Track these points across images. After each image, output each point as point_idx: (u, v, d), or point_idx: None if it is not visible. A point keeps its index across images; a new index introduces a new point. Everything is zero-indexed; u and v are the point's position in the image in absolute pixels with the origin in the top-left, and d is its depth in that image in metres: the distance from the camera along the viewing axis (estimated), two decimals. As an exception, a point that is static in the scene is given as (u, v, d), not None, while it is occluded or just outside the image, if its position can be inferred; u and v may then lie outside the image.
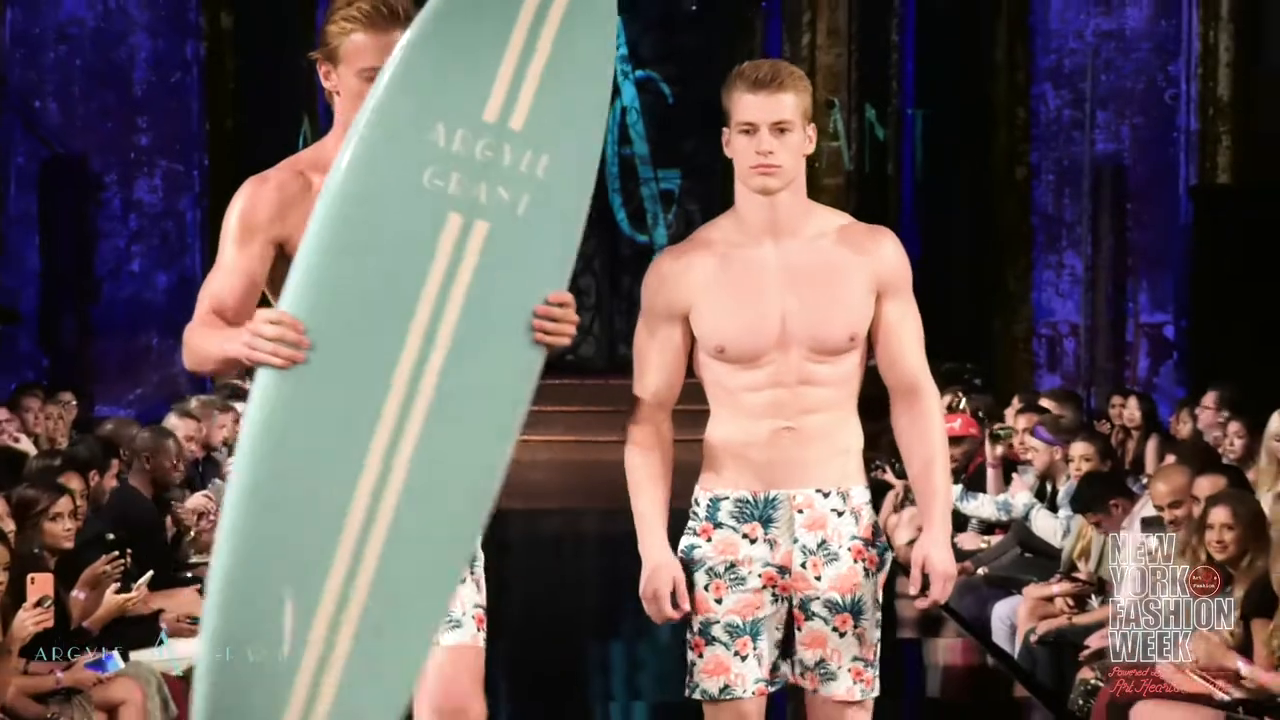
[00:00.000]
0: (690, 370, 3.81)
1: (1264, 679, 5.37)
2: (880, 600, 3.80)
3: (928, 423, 3.78)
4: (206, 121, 13.27)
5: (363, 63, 3.50)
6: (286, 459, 3.33)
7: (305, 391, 3.32)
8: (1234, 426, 8.14)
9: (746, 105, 3.67)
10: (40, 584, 5.25)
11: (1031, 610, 7.62)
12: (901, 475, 8.76)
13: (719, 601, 3.75)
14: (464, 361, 3.36)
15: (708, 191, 16.05)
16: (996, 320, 13.63)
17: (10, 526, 5.71)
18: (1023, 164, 13.48)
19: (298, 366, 3.31)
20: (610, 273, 15.52)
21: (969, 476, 9.07)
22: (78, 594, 6.10)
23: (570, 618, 8.54)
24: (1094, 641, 6.91)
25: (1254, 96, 13.05)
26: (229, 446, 9.19)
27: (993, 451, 8.87)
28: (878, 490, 8.17)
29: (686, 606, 3.73)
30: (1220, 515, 5.81)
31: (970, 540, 8.90)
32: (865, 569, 3.75)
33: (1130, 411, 9.86)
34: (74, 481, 6.49)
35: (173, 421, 8.46)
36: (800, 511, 3.74)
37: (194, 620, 6.77)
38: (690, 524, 3.80)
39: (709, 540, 3.76)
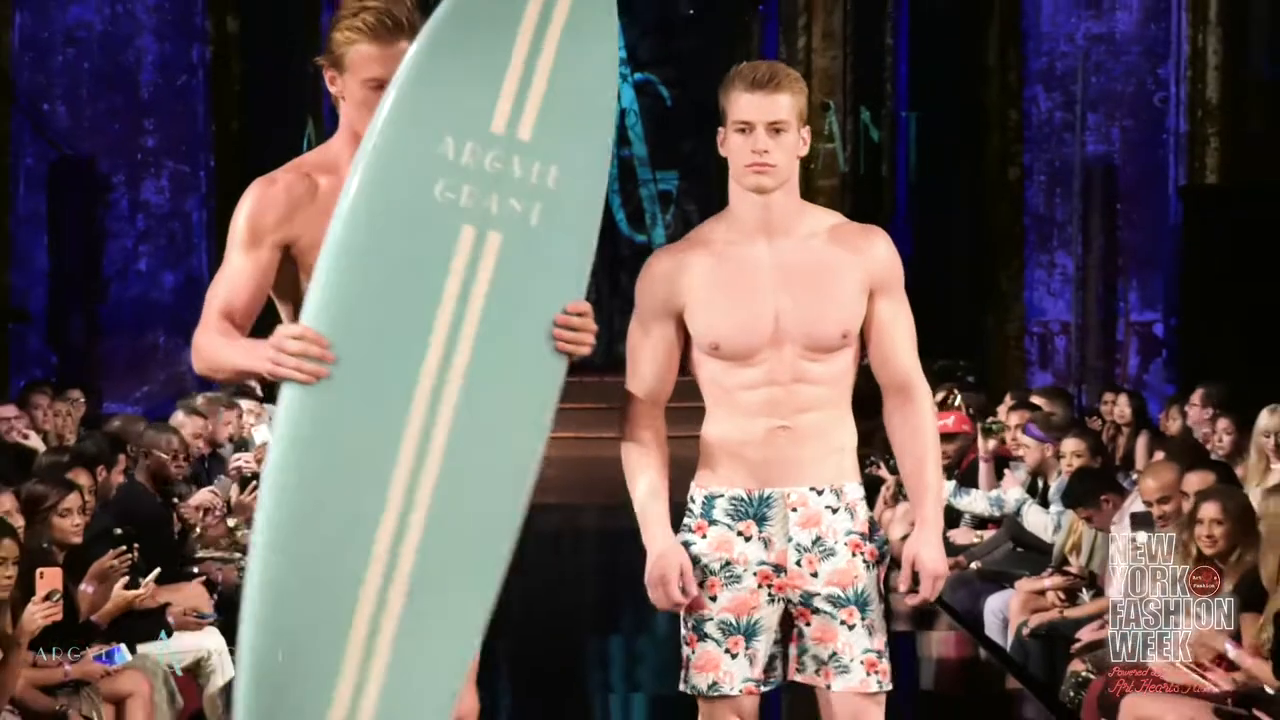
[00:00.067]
0: (685, 368, 3.81)
1: (1248, 662, 5.36)
2: (883, 593, 3.78)
3: (920, 422, 3.77)
4: (212, 123, 13.28)
5: (367, 73, 3.49)
6: (315, 473, 3.31)
7: (331, 406, 3.30)
8: (1222, 423, 8.13)
9: (743, 104, 3.66)
10: (49, 578, 5.25)
11: (1023, 604, 7.62)
12: (895, 471, 8.75)
13: (714, 599, 3.74)
14: (486, 371, 3.34)
15: (705, 192, 16.06)
16: (989, 318, 13.63)
17: (19, 522, 5.71)
18: (1015, 165, 13.50)
19: (322, 381, 3.29)
20: (609, 272, 15.51)
21: (962, 472, 9.07)
22: (86, 588, 6.10)
23: (569, 612, 8.53)
24: (1085, 634, 6.92)
25: (1241, 99, 13.05)
26: (234, 443, 9.19)
27: (985, 446, 8.87)
28: (871, 486, 8.17)
29: (694, 591, 3.70)
30: (1210, 510, 5.81)
31: (963, 535, 8.90)
32: (864, 561, 3.72)
33: (1121, 408, 9.87)
34: (82, 477, 6.48)
35: (179, 418, 8.45)
36: (794, 509, 3.72)
37: (200, 615, 6.78)
38: (685, 521, 3.78)
39: (704, 537, 3.75)
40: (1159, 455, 7.52)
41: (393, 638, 3.32)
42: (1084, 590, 7.43)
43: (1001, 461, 8.85)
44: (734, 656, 3.73)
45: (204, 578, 7.32)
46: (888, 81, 14.17)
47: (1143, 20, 13.34)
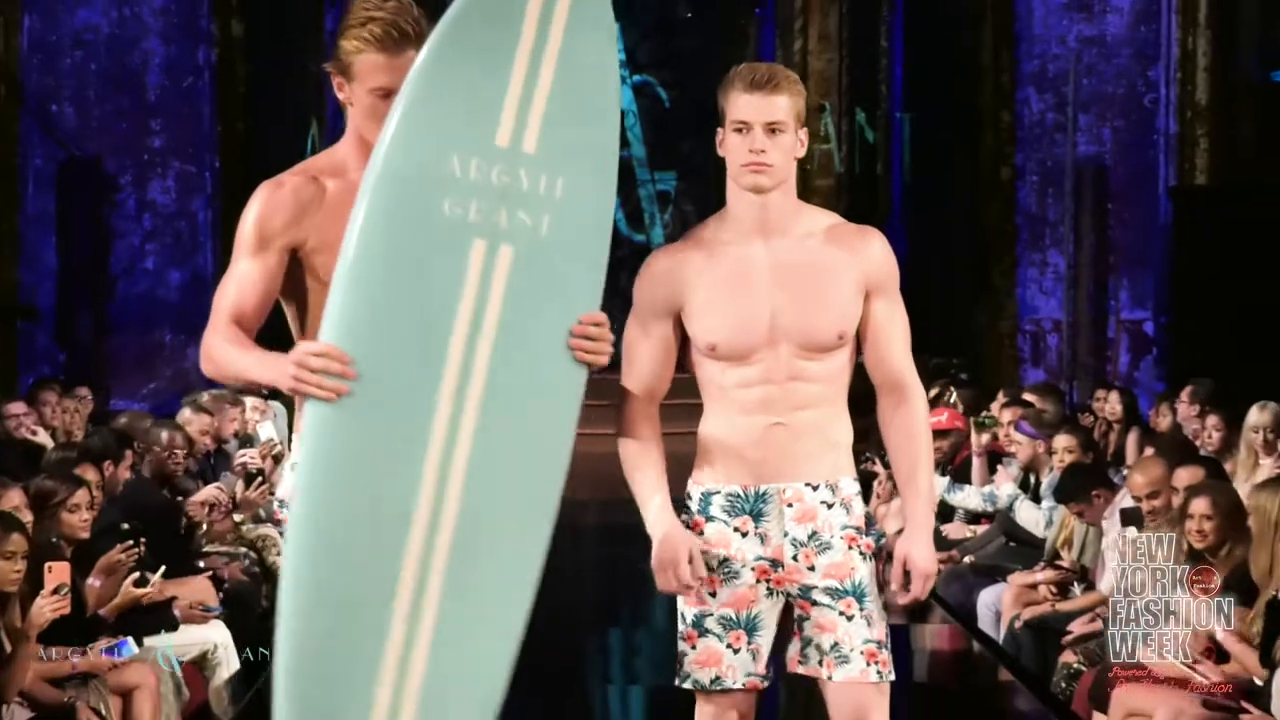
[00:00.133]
0: (685, 365, 3.80)
1: (1237, 649, 5.35)
2: (879, 585, 3.77)
3: (913, 421, 3.76)
4: (218, 124, 13.27)
5: (374, 82, 3.48)
6: (342, 492, 3.30)
7: (354, 424, 3.29)
8: (1212, 419, 8.13)
9: (742, 105, 3.65)
10: (57, 572, 5.24)
11: (1016, 597, 7.62)
12: (889, 467, 8.75)
13: (713, 595, 3.73)
14: (506, 383, 3.33)
15: (703, 192, 16.05)
16: (982, 317, 13.63)
17: (28, 517, 5.71)
18: (1007, 165, 13.49)
19: (346, 399, 3.28)
20: (608, 271, 15.49)
21: (955, 468, 9.07)
22: (93, 582, 6.10)
23: (569, 607, 8.53)
24: (1077, 627, 6.92)
25: (1231, 100, 13.05)
26: (239, 439, 9.19)
27: (978, 441, 8.86)
28: (865, 482, 8.17)
29: (703, 572, 3.68)
30: (1200, 506, 5.81)
31: (957, 530, 8.90)
32: (861, 554, 3.71)
33: (1112, 405, 9.86)
34: (90, 473, 6.48)
35: (186, 415, 8.45)
36: (790, 505, 3.71)
37: (206, 608, 6.78)
38: (682, 518, 3.76)
39: (701, 534, 3.74)
40: (1149, 451, 7.52)
41: (426, 655, 3.30)
42: (1075, 584, 7.43)
43: (994, 457, 8.84)
44: (736, 651, 3.72)
45: (210, 572, 7.32)
46: (882, 83, 14.16)
47: (1133, 23, 13.34)
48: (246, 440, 9.17)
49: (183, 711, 6.17)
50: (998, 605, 7.81)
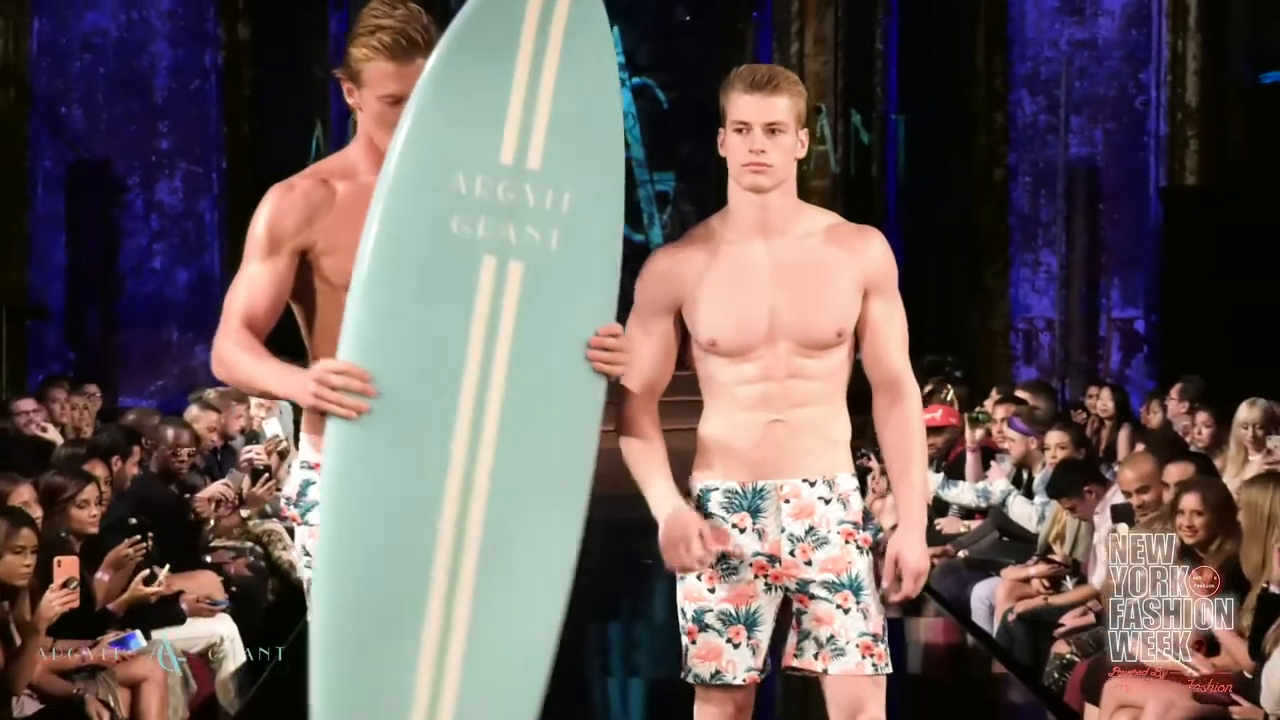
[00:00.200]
0: (686, 362, 3.79)
1: (1225, 640, 5.35)
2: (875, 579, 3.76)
3: (908, 421, 3.75)
4: (224, 126, 13.26)
5: (383, 89, 3.46)
6: (368, 508, 3.28)
7: (376, 443, 3.27)
8: (1202, 416, 8.13)
9: (742, 105, 3.64)
10: (66, 566, 5.24)
11: (1009, 591, 7.62)
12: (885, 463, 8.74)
13: (712, 591, 3.72)
14: (523, 396, 3.32)
15: (702, 193, 16.04)
16: (976, 315, 13.62)
17: (38, 512, 5.70)
18: (1001, 166, 13.49)
19: (367, 419, 3.26)
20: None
21: (949, 464, 9.06)
22: (102, 576, 6.10)
23: (570, 600, 8.51)
24: (1069, 620, 6.92)
25: (1220, 103, 13.05)
26: (245, 435, 9.18)
27: (972, 436, 8.86)
28: (860, 478, 8.18)
29: (714, 546, 3.65)
30: (1191, 501, 5.80)
31: (951, 524, 8.90)
32: (858, 548, 3.70)
33: (1104, 402, 9.86)
34: (98, 469, 6.48)
35: (193, 412, 8.45)
36: (787, 501, 3.70)
37: (213, 602, 6.78)
38: (684, 512, 3.76)
39: (701, 530, 3.73)
40: (1140, 447, 7.52)
41: (459, 677, 3.29)
42: (1067, 578, 7.43)
43: (988, 454, 8.84)
44: (736, 646, 3.72)
45: (216, 567, 7.31)
46: (878, 86, 14.15)
47: (1124, 26, 13.33)
48: (252, 436, 9.17)
49: (190, 704, 6.17)
50: (991, 599, 7.80)
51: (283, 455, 8.67)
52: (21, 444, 8.06)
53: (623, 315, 3.66)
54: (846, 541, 3.70)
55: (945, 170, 13.90)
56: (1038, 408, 9.09)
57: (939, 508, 8.86)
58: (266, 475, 8.05)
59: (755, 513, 3.71)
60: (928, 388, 9.71)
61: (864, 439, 8.24)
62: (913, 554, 3.68)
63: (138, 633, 5.86)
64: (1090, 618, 6.82)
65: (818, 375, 3.69)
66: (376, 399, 3.27)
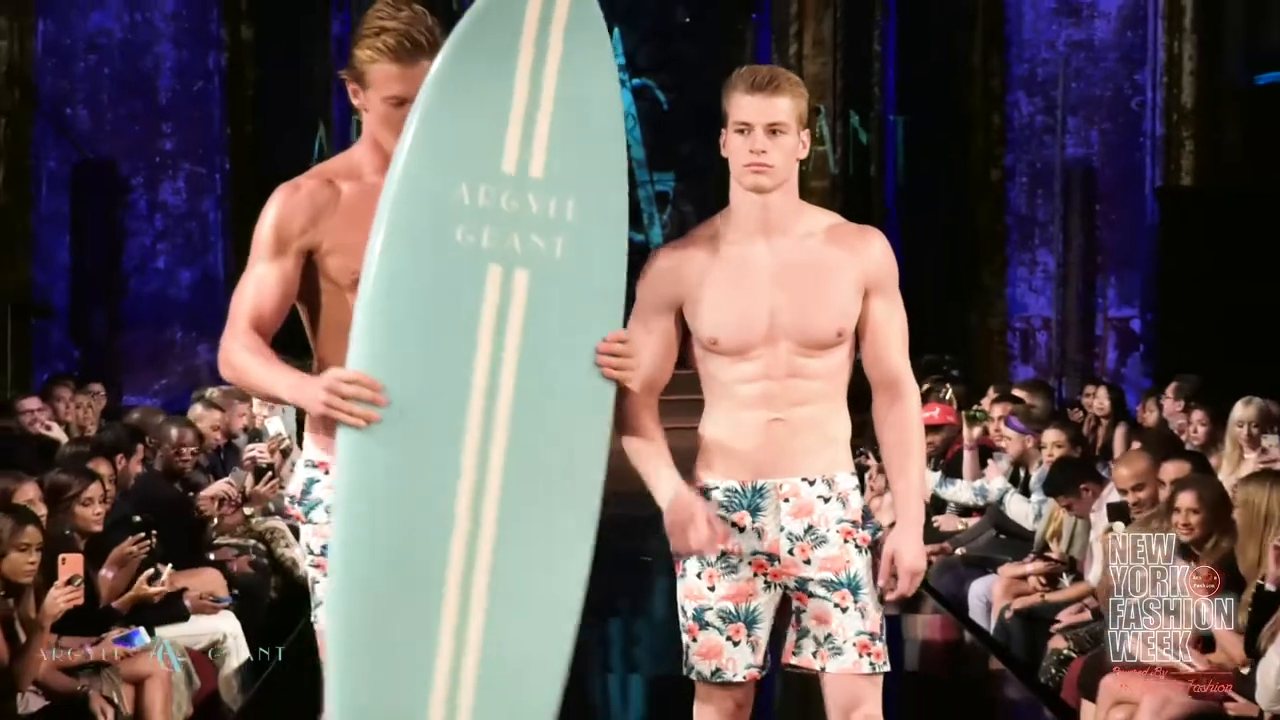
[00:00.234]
0: (688, 361, 3.79)
1: (1220, 634, 5.34)
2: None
3: (907, 420, 3.74)
4: (227, 127, 13.26)
5: (388, 91, 3.46)
6: (380, 519, 3.28)
7: (387, 450, 3.27)
8: (1197, 415, 8.13)
9: (743, 106, 3.64)
10: (71, 564, 5.24)
11: (1006, 588, 7.61)
12: (882, 461, 8.73)
13: (712, 589, 3.72)
14: (532, 403, 3.32)
15: (701, 193, 16.03)
16: (973, 315, 13.62)
17: (42, 510, 5.70)
18: (998, 167, 13.48)
19: (378, 429, 3.26)
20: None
21: (947, 462, 9.06)
22: (106, 573, 6.09)
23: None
24: (1065, 617, 6.92)
25: (1215, 104, 13.04)
26: (248, 433, 9.18)
27: (970, 434, 8.86)
28: (858, 475, 8.17)
29: (719, 528, 3.64)
30: (1187, 499, 5.80)
31: (949, 522, 8.90)
32: (856, 547, 3.70)
33: (1100, 401, 9.86)
34: (103, 467, 6.48)
35: (197, 411, 8.44)
36: (786, 500, 3.69)
37: (216, 599, 6.77)
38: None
39: (700, 529, 3.73)
40: (1135, 445, 7.51)
41: (475, 679, 3.28)
42: (1064, 575, 7.42)
43: (985, 452, 8.84)
44: (736, 644, 3.71)
45: (220, 565, 7.31)
46: (876, 87, 14.14)
47: (1120, 28, 13.33)
48: (255, 435, 9.16)
49: (193, 700, 6.16)
50: (988, 596, 7.80)
51: (285, 453, 8.67)
52: (26, 442, 8.06)
53: (628, 314, 3.66)
54: (845, 540, 3.70)
55: (943, 170, 13.89)
56: (1035, 406, 9.08)
57: (936, 505, 8.86)
58: (269, 473, 8.04)
59: (754, 511, 3.70)
60: (925, 386, 9.70)
61: (862, 437, 8.24)
62: (909, 552, 3.67)
63: (141, 629, 5.85)
64: (1086, 614, 6.82)
65: (818, 374, 3.69)
66: (387, 408, 3.26)
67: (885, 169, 14.20)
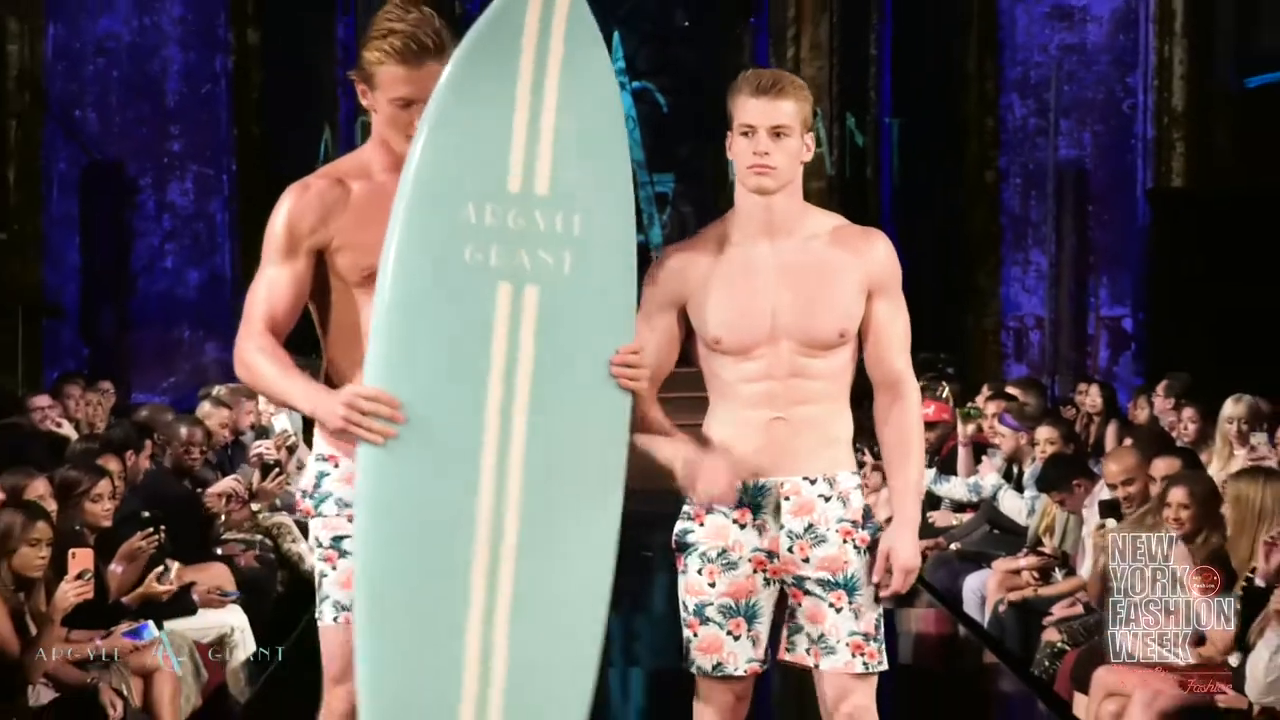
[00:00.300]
0: (692, 360, 3.79)
1: (1212, 631, 5.34)
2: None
3: (907, 420, 3.74)
4: (234, 129, 13.25)
5: (395, 92, 3.45)
6: (401, 534, 3.28)
7: (406, 466, 3.27)
8: (1187, 412, 8.13)
9: (748, 109, 3.63)
10: (81, 558, 5.24)
11: (1000, 582, 7.62)
12: (879, 458, 8.74)
13: (712, 585, 3.71)
14: (548, 417, 3.31)
15: (700, 195, 16.05)
16: (968, 314, 13.62)
17: (53, 505, 5.70)
18: (992, 169, 13.47)
19: (397, 445, 3.25)
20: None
21: (942, 459, 9.06)
22: (115, 568, 6.09)
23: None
24: (1058, 610, 6.92)
25: (1206, 107, 13.04)
26: (256, 430, 9.18)
27: (964, 431, 8.86)
28: (858, 472, 8.17)
29: (734, 480, 3.60)
30: (1177, 495, 5.80)
31: (943, 518, 8.90)
32: (855, 547, 3.69)
33: (1092, 398, 9.86)
34: (112, 463, 6.47)
35: (205, 409, 8.44)
36: (787, 498, 3.69)
37: (224, 593, 6.78)
38: (685, 509, 3.75)
39: (702, 525, 3.72)
40: (1127, 442, 7.51)
41: (503, 685, 3.28)
42: (1057, 569, 7.43)
43: (979, 449, 8.84)
44: (737, 639, 3.71)
45: (228, 560, 7.31)
46: (872, 90, 14.14)
47: (1112, 31, 13.32)
48: (262, 432, 9.17)
49: (202, 692, 6.17)
50: (982, 590, 7.80)
51: (291, 450, 8.67)
52: (37, 439, 8.06)
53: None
54: (844, 540, 3.69)
55: (938, 173, 13.89)
56: (1028, 404, 9.09)
57: (931, 501, 8.86)
58: (276, 470, 8.05)
59: (756, 509, 3.70)
60: (921, 384, 9.69)
61: (860, 435, 8.24)
62: (904, 550, 3.67)
63: (150, 623, 5.85)
64: (1079, 608, 6.82)
65: (820, 374, 3.68)
66: (405, 425, 3.25)
67: (881, 171, 14.20)
